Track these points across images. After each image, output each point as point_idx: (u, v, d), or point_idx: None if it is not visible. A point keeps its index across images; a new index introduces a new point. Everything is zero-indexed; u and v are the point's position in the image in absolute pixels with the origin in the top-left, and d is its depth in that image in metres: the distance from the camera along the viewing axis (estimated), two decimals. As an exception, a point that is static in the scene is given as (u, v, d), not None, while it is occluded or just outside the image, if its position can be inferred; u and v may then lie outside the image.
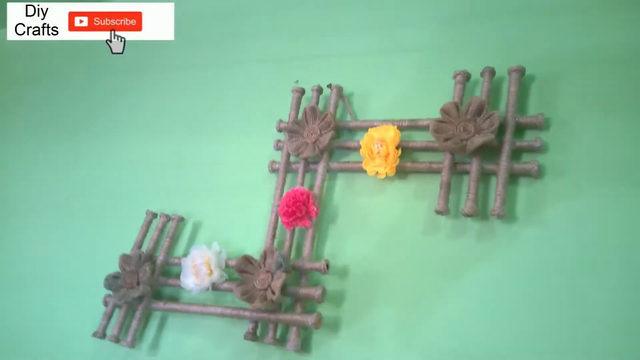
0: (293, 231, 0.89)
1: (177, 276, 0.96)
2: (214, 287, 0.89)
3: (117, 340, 0.93)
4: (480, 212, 0.77)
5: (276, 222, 0.91)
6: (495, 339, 0.72)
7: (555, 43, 0.84)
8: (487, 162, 0.79)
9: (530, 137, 0.80)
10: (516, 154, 0.79)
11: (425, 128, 0.86)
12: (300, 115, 0.97)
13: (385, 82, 0.96)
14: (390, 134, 0.84)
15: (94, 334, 0.95)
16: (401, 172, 0.86)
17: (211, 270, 0.88)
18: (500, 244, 0.76)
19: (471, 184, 0.78)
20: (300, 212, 0.85)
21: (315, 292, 0.80)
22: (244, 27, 1.17)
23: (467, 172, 0.80)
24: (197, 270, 0.89)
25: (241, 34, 1.16)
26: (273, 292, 0.80)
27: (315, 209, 0.86)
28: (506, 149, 0.77)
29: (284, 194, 0.88)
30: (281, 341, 0.84)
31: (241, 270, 0.85)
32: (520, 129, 0.80)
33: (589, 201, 0.73)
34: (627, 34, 0.79)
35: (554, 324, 0.70)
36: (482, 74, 0.84)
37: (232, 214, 1.01)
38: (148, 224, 1.03)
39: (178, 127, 1.14)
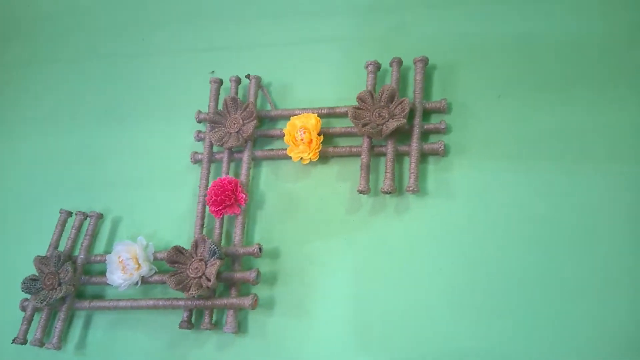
0: (222, 219, 0.92)
1: (100, 274, 0.95)
2: (143, 280, 0.89)
3: (41, 343, 0.90)
4: (397, 189, 0.85)
5: (204, 211, 0.93)
6: (417, 299, 0.81)
7: (454, 33, 0.94)
8: (400, 144, 0.87)
9: (435, 120, 0.89)
10: (424, 135, 0.88)
11: (343, 115, 0.93)
12: (220, 106, 0.99)
13: (302, 72, 1.01)
14: (312, 121, 0.90)
15: (14, 340, 0.90)
16: (323, 157, 0.91)
17: (139, 265, 0.88)
18: (415, 216, 0.85)
19: (388, 164, 0.85)
20: (229, 200, 0.88)
21: (250, 275, 0.84)
22: (154, 15, 1.15)
23: (383, 154, 0.88)
24: (124, 266, 0.88)
25: (152, 22, 1.14)
26: (208, 279, 0.82)
27: (244, 196, 0.89)
28: (416, 131, 0.86)
29: (210, 184, 0.90)
30: (217, 325, 0.86)
31: (173, 261, 0.86)
32: (426, 113, 0.89)
33: (488, 174, 0.84)
34: (517, 24, 0.91)
35: (465, 282, 0.80)
36: (390, 64, 0.92)
37: (154, 207, 1.00)
38: (63, 224, 0.99)
39: (87, 119, 1.11)
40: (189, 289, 0.82)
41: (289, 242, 0.90)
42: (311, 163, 0.92)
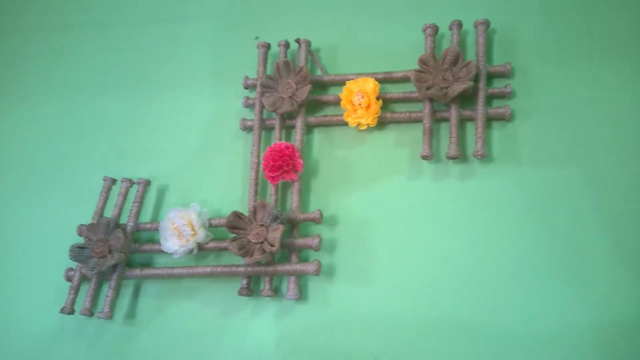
0: (277, 186, 0.89)
1: (149, 242, 0.92)
2: (199, 248, 0.87)
3: (90, 313, 0.87)
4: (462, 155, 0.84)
5: (257, 177, 0.91)
6: (481, 267, 0.79)
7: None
8: (462, 108, 0.85)
9: (496, 85, 0.87)
10: (488, 100, 0.86)
11: (399, 80, 0.91)
12: (269, 71, 0.97)
13: (351, 37, 0.98)
14: (370, 85, 0.87)
15: (62, 310, 0.88)
16: (380, 123, 0.89)
17: (195, 231, 0.86)
18: (480, 183, 0.83)
19: (452, 128, 0.84)
20: (287, 166, 0.86)
21: (313, 241, 0.82)
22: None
23: (444, 120, 0.86)
24: (180, 232, 0.86)
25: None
26: (271, 245, 0.80)
27: (301, 162, 0.87)
28: (481, 95, 0.84)
29: (266, 150, 0.88)
30: (276, 292, 0.85)
31: (232, 226, 0.83)
32: (488, 78, 0.87)
33: (555, 140, 0.82)
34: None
35: (531, 250, 0.79)
36: (450, 27, 0.90)
37: (201, 174, 0.98)
38: (107, 191, 0.96)
39: (131, 86, 1.07)
40: (252, 254, 0.80)
41: (346, 209, 0.88)
42: (367, 129, 0.90)
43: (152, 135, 1.02)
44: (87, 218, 0.96)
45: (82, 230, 0.94)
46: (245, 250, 0.81)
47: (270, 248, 0.79)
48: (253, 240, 0.81)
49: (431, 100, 0.86)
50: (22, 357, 0.93)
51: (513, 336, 0.75)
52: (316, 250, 0.83)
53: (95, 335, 0.91)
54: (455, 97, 0.83)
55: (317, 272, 0.80)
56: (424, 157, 0.84)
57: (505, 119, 0.84)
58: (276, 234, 0.80)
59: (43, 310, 0.94)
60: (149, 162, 1.00)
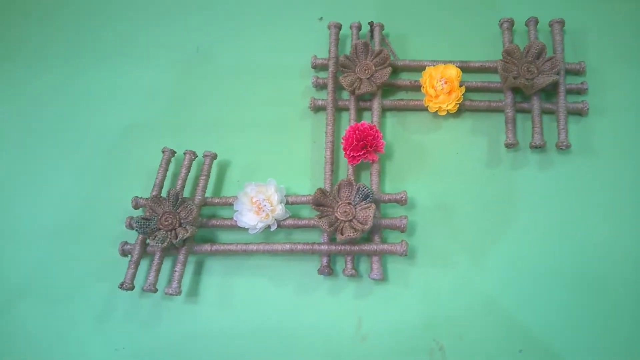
0: (353, 167, 0.88)
1: (217, 217, 0.89)
2: (277, 225, 0.84)
3: (155, 289, 0.82)
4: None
5: (332, 157, 0.89)
6: (561, 255, 0.82)
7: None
8: (542, 101, 0.88)
9: (569, 82, 0.91)
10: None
11: (475, 70, 0.92)
12: (341, 52, 0.96)
13: (423, 24, 0.99)
14: (452, 72, 0.89)
15: (122, 285, 0.82)
16: (456, 111, 0.90)
17: (274, 207, 0.83)
18: (559, 173, 0.86)
19: (535, 119, 0.86)
20: (371, 146, 0.85)
21: (401, 222, 0.81)
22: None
23: (523, 111, 0.89)
24: (260, 207, 0.83)
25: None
26: (362, 223, 0.79)
27: (383, 143, 0.86)
28: (562, 89, 0.87)
29: (348, 129, 0.87)
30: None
31: (319, 203, 0.82)
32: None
33: (629, 136, 0.87)
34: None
35: (608, 236, 0.82)
36: (526, 24, 0.93)
37: (266, 152, 0.95)
38: (167, 163, 0.92)
39: (191, 62, 1.03)
40: (344, 232, 0.78)
41: (423, 193, 0.88)
42: (443, 116, 0.91)
43: (211, 110, 0.98)
44: (139, 192, 0.91)
45: (139, 202, 0.89)
46: (335, 227, 0.79)
47: (361, 226, 0.78)
48: (341, 218, 0.80)
49: (512, 90, 0.88)
50: (74, 335, 0.86)
51: (594, 325, 0.78)
52: (402, 232, 0.82)
53: (152, 314, 0.85)
54: (538, 89, 0.85)
55: (405, 253, 0.80)
56: (509, 145, 0.85)
57: (581, 113, 0.88)
58: (369, 212, 0.79)
59: (90, 286, 0.87)
60: (209, 136, 0.96)
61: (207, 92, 1.00)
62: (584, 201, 0.84)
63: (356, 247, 0.81)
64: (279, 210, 0.83)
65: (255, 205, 0.83)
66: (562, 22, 0.91)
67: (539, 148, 0.85)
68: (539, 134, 0.85)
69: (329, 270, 0.82)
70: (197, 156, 0.92)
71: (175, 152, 0.93)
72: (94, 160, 0.97)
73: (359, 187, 0.81)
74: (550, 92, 0.88)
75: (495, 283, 0.81)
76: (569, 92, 0.89)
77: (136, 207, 0.90)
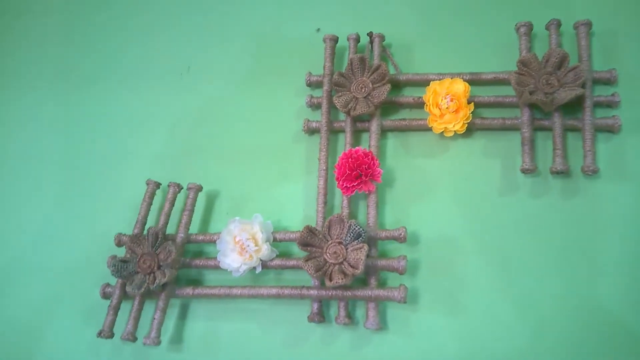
0: (349, 198, 0.79)
1: (199, 256, 0.82)
2: (262, 265, 0.76)
3: (134, 338, 0.76)
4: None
5: (326, 187, 0.80)
6: (587, 295, 0.70)
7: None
8: (565, 116, 0.76)
9: (598, 93, 0.78)
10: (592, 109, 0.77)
11: (488, 82, 0.81)
12: (340, 67, 0.86)
13: (429, 33, 0.89)
14: (459, 87, 0.78)
15: (100, 334, 0.77)
16: (465, 130, 0.79)
17: (259, 246, 0.75)
18: (586, 201, 0.74)
19: (556, 139, 0.74)
20: (365, 175, 0.76)
21: (399, 263, 0.72)
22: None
23: (543, 129, 0.77)
24: (242, 247, 0.75)
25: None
26: (353, 266, 0.69)
27: (380, 171, 0.77)
28: (589, 103, 0.75)
29: (341, 156, 0.77)
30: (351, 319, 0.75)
31: (306, 243, 0.73)
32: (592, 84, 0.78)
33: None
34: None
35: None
36: (547, 27, 0.81)
37: (257, 181, 0.87)
38: (151, 197, 0.85)
39: (173, 79, 0.96)
40: (333, 277, 0.69)
41: (428, 226, 0.78)
42: (450, 137, 0.80)
43: (199, 136, 0.91)
44: (124, 226, 0.85)
45: (121, 239, 0.83)
46: (323, 272, 0.70)
47: (352, 270, 0.69)
48: (331, 261, 0.71)
49: (530, 106, 0.76)
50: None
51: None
52: (401, 274, 0.73)
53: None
54: (559, 104, 0.74)
55: (404, 300, 0.70)
56: (525, 171, 0.74)
57: (613, 130, 0.75)
58: (360, 254, 0.70)
59: (74, 331, 0.83)
60: (196, 166, 0.89)
61: (196, 116, 0.93)
62: (615, 234, 0.72)
63: (349, 293, 0.72)
64: (265, 250, 0.75)
65: (238, 245, 0.75)
66: (589, 24, 0.78)
67: (561, 174, 0.74)
68: (562, 157, 0.73)
69: (319, 318, 0.74)
70: (182, 188, 0.85)
71: (160, 184, 0.86)
72: (78, 190, 0.92)
73: (350, 225, 0.71)
74: (575, 106, 0.76)
75: (510, 332, 0.71)
76: (598, 105, 0.77)
77: (119, 244, 0.84)
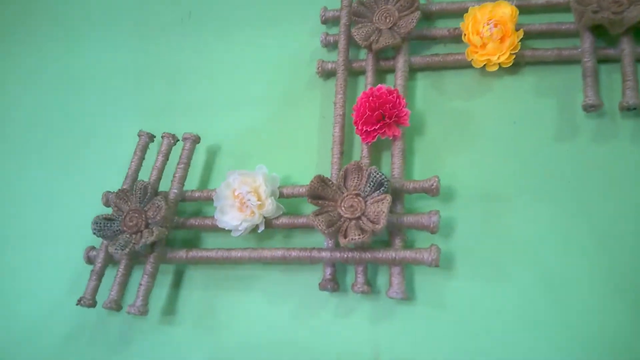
0: (369, 147, 0.66)
1: (196, 215, 0.70)
2: (267, 223, 0.65)
3: (118, 306, 0.65)
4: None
5: (342, 134, 0.68)
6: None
7: None
8: (637, 43, 0.61)
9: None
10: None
11: (539, 8, 0.68)
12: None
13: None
14: (505, 11, 0.64)
15: (80, 301, 0.66)
16: (512, 65, 0.66)
17: (262, 201, 0.63)
18: (665, 145, 0.59)
19: (627, 69, 0.60)
20: (390, 117, 0.63)
21: (430, 219, 0.59)
22: None
23: (608, 60, 0.63)
24: (242, 202, 0.63)
25: None
26: (373, 221, 0.57)
27: (408, 112, 0.64)
28: (668, 25, 0.60)
29: (360, 96, 0.65)
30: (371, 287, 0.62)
31: (316, 195, 0.61)
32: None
33: None
34: None
35: None
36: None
37: (264, 133, 0.76)
38: (143, 149, 0.74)
39: (173, 25, 0.85)
40: (345, 234, 0.57)
41: (466, 180, 0.65)
42: (495, 73, 0.67)
43: (200, 86, 0.80)
44: (117, 185, 0.75)
45: (109, 198, 0.73)
46: (336, 228, 0.58)
47: (372, 226, 0.56)
48: (346, 215, 0.58)
49: (592, 32, 0.62)
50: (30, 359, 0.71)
51: None
52: (433, 233, 0.59)
53: (121, 335, 0.69)
54: (631, 26, 0.59)
55: (436, 262, 0.57)
56: (589, 107, 0.60)
57: (698, 60, 0.60)
58: (382, 206, 0.57)
59: (55, 300, 0.73)
60: (197, 118, 0.79)
61: (198, 64, 0.82)
62: None
63: (369, 255, 0.59)
64: (269, 205, 0.63)
65: (238, 200, 0.64)
66: None
67: (634, 109, 0.59)
68: (634, 90, 0.59)
69: (333, 286, 0.61)
70: (177, 140, 0.74)
71: (154, 137, 0.76)
72: (67, 148, 0.82)
73: (370, 173, 0.59)
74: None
75: (564, 304, 0.57)
76: (679, 28, 0.62)
77: (107, 204, 0.74)
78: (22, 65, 0.89)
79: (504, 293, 0.59)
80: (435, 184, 0.60)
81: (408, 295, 0.60)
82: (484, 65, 0.65)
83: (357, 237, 0.56)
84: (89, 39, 0.88)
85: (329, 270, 0.62)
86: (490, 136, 0.65)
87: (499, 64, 0.64)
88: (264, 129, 0.76)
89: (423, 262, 0.57)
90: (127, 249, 0.64)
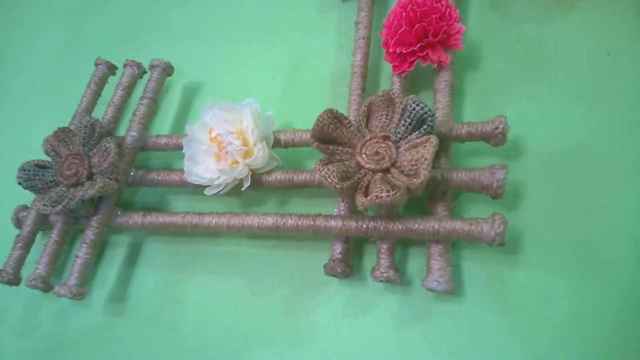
0: (404, 78, 0.47)
1: (163, 168, 0.52)
2: (254, 179, 0.46)
3: (46, 286, 0.47)
4: None
5: (366, 63, 0.49)
6: None
7: None
8: None
9: None
10: None
11: None
12: None
13: None
14: None
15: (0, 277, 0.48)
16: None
17: (250, 147, 0.45)
18: None
19: None
20: (436, 33, 0.44)
21: (493, 175, 0.40)
22: None
23: None
24: (221, 147, 0.44)
25: None
26: (408, 174, 0.38)
27: (463, 29, 0.45)
28: None
29: (394, 6, 0.46)
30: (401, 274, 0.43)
31: (326, 138, 0.42)
32: None
33: None
34: None
35: None
36: None
37: (261, 67, 0.57)
38: (100, 82, 0.56)
39: None
40: (367, 192, 0.38)
41: (537, 130, 0.46)
42: (580, -13, 0.47)
43: (178, 5, 0.62)
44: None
45: (45, 140, 0.54)
46: (353, 183, 0.39)
47: (408, 180, 0.37)
48: (368, 165, 0.39)
49: None
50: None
51: None
52: (495, 197, 0.40)
53: (53, 326, 0.50)
54: None
55: (501, 240, 0.38)
56: None
57: None
58: (423, 152, 0.38)
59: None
60: (172, 46, 0.60)
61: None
62: None
63: (399, 226, 0.40)
64: (258, 152, 0.44)
65: (215, 144, 0.45)
66: None
67: None
68: None
69: (344, 269, 0.42)
70: (145, 71, 0.56)
71: (117, 68, 0.57)
72: (16, 87, 0.64)
73: (407, 105, 0.40)
74: None
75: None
76: None
77: (47, 152, 0.55)
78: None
79: (595, 289, 0.39)
80: (501, 127, 0.40)
81: (454, 287, 0.41)
82: (570, -30, 0.46)
83: (384, 194, 0.37)
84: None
85: (339, 248, 0.43)
86: (574, 72, 0.46)
87: (593, -32, 0.45)
88: (260, 63, 0.57)
89: (482, 238, 0.38)
90: (61, 206, 0.45)
